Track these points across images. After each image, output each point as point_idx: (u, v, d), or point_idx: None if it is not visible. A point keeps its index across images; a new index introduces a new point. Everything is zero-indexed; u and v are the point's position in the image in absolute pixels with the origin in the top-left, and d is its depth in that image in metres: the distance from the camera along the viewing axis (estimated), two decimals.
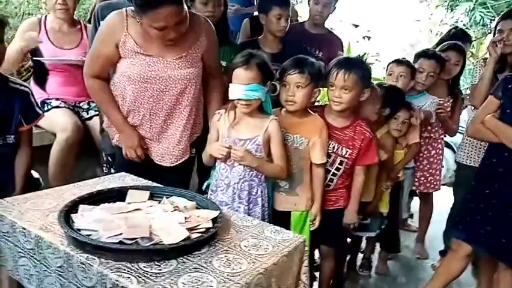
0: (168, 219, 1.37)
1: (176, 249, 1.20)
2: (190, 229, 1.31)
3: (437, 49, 2.84)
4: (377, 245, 2.84)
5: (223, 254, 1.26)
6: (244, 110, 1.75)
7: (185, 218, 1.38)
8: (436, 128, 2.80)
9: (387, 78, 2.61)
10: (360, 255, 2.81)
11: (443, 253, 2.94)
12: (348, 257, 2.62)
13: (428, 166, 2.83)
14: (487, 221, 1.87)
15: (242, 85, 1.69)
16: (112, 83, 1.92)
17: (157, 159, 2.00)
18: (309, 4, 2.82)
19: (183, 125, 1.95)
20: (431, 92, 2.74)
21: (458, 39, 2.95)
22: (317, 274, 2.28)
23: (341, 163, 2.01)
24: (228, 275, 1.15)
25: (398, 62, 2.59)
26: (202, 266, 1.18)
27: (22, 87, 1.88)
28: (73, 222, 1.29)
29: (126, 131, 1.93)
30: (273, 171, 1.81)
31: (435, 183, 2.86)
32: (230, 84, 1.74)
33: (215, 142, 1.82)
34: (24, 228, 1.31)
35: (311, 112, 1.97)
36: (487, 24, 11.75)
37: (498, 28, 2.49)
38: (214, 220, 1.39)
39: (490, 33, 12.14)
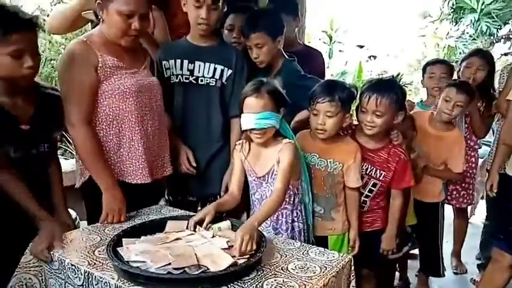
0: (211, 246, 1.38)
1: (227, 276, 1.20)
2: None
3: (462, 59, 2.82)
4: (409, 262, 2.77)
5: (272, 278, 1.25)
6: (258, 140, 1.68)
7: (227, 242, 1.39)
8: (468, 141, 2.73)
9: (442, 102, 2.33)
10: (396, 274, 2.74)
11: (481, 266, 2.86)
12: None
13: (460, 180, 2.75)
14: None
15: (253, 114, 1.63)
16: (102, 113, 1.77)
17: (154, 174, 1.91)
18: None
19: (167, 132, 1.97)
20: None
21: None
22: None
23: (373, 185, 1.99)
24: None
25: (458, 88, 2.31)
26: None
27: (53, 92, 1.80)
28: (121, 256, 1.30)
29: (114, 192, 1.73)
30: (271, 210, 1.59)
31: (468, 197, 2.79)
32: (242, 115, 1.67)
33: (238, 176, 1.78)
34: (73, 265, 1.33)
35: (342, 134, 1.95)
36: (494, 34, 11.80)
37: None
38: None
39: (497, 42, 12.19)
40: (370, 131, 1.91)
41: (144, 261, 1.25)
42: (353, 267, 1.43)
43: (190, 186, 2.16)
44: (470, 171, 2.76)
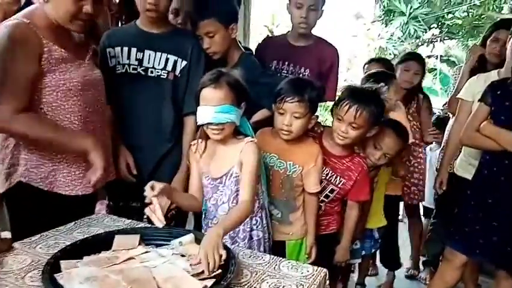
0: (171, 267, 1.18)
1: None
2: (198, 275, 1.13)
3: (397, 60, 2.85)
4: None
5: None
6: (216, 136, 1.51)
7: (189, 263, 1.19)
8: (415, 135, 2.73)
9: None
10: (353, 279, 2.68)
11: (427, 263, 2.92)
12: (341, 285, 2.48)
13: (409, 175, 2.75)
14: (491, 230, 1.84)
15: (211, 107, 1.46)
16: (38, 112, 1.51)
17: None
18: (288, 10, 2.22)
19: (109, 132, 1.76)
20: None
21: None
22: None
23: (331, 191, 1.90)
24: None
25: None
26: None
27: None
28: (61, 286, 1.06)
29: (100, 146, 1.54)
30: (238, 220, 1.43)
31: (419, 193, 2.78)
32: (198, 108, 1.52)
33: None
34: None
35: (306, 134, 1.82)
36: (420, 37, 12.57)
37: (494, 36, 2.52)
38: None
39: (422, 44, 13.00)
40: (342, 141, 1.81)
41: None
42: (327, 282, 1.31)
43: (134, 190, 1.92)
44: (419, 167, 2.75)
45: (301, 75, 2.23)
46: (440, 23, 12.51)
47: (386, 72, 2.39)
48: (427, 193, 2.89)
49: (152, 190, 1.36)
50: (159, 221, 1.34)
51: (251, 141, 1.54)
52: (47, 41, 1.47)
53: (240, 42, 2.15)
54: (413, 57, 2.80)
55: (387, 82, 2.10)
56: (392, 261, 2.69)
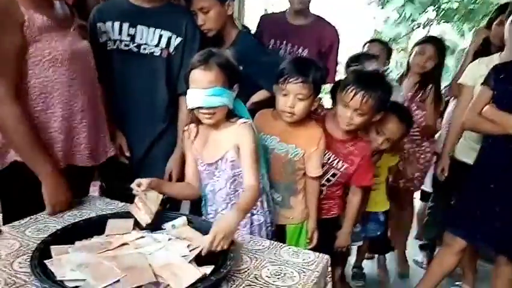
0: (168, 253, 1.13)
1: None
2: (196, 260, 1.09)
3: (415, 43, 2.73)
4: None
5: None
6: (208, 121, 1.44)
7: (188, 246, 1.15)
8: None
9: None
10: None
11: (424, 247, 2.91)
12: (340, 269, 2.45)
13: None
14: (493, 216, 1.81)
15: (201, 90, 1.38)
16: (26, 84, 1.41)
17: (87, 159, 1.61)
18: None
19: (103, 106, 1.67)
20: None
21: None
22: None
23: (333, 175, 1.85)
24: None
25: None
26: None
27: None
28: (51, 272, 1.00)
29: (58, 179, 1.45)
30: (250, 204, 1.38)
31: (416, 182, 2.70)
32: (188, 91, 1.43)
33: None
34: None
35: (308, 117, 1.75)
36: (416, 20, 12.41)
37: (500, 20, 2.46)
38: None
39: (418, 27, 12.83)
40: (346, 127, 1.74)
41: (84, 279, 0.97)
42: (329, 268, 1.27)
43: (128, 171, 1.86)
44: (421, 157, 2.64)
45: (299, 55, 2.15)
46: (436, 6, 12.36)
47: (369, 55, 2.33)
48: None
49: (139, 186, 1.33)
50: (142, 220, 1.29)
51: (244, 122, 1.47)
52: (27, 8, 1.37)
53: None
54: (430, 41, 2.63)
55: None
56: (383, 245, 2.61)
